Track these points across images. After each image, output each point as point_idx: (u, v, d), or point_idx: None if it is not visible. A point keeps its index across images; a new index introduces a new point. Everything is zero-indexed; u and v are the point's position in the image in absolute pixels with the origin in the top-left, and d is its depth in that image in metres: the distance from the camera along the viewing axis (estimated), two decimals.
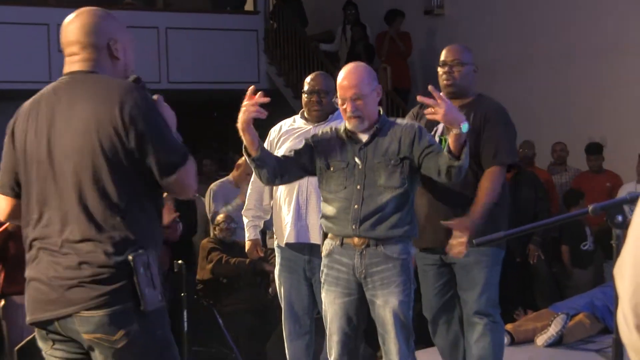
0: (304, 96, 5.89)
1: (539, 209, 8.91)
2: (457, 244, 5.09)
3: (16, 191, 3.48)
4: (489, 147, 5.35)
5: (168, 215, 7.07)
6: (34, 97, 3.45)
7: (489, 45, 12.16)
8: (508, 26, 12.52)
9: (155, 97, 3.44)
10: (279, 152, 5.76)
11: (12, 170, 3.46)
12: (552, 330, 7.58)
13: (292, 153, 5.07)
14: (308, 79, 5.92)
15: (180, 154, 3.30)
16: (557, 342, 7.61)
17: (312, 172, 5.05)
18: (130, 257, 3.20)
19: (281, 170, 4.96)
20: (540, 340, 7.62)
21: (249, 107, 4.66)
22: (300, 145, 5.10)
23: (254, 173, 5.86)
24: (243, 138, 4.80)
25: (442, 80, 5.51)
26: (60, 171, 3.30)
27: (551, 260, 9.50)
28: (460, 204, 5.29)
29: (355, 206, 4.80)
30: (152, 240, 3.31)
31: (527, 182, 8.93)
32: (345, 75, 4.87)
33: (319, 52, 14.27)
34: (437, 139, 5.39)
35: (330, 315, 4.96)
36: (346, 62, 14.01)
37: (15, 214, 3.52)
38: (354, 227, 4.80)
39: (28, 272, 3.39)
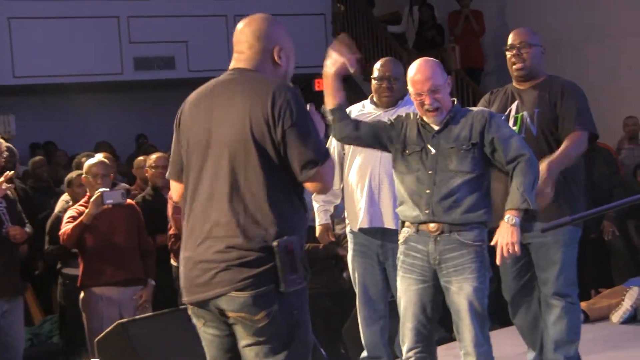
0: (374, 82, 5.91)
1: (613, 184, 8.84)
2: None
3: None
4: (569, 116, 5.40)
5: None
6: (198, 89, 3.73)
7: (554, 21, 12.04)
8: (574, 1, 12.38)
9: (308, 106, 3.69)
10: None
11: (179, 158, 3.73)
12: (626, 304, 7.53)
13: (374, 121, 5.13)
14: (377, 65, 5.93)
15: (321, 153, 3.52)
16: (633, 317, 7.56)
17: (383, 147, 5.07)
18: (275, 243, 3.44)
19: (358, 129, 5.01)
20: (616, 316, 7.58)
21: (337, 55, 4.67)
22: (384, 120, 5.14)
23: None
24: (327, 86, 4.88)
25: (512, 63, 5.59)
26: (215, 160, 3.56)
27: (627, 236, 9.38)
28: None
29: (427, 190, 4.82)
30: (295, 227, 3.54)
31: (601, 158, 8.87)
32: (418, 69, 4.89)
33: (387, 34, 14.23)
34: (511, 118, 5.45)
35: (405, 303, 4.94)
36: (416, 44, 14.16)
37: None
38: (427, 211, 4.81)
39: (182, 253, 3.67)
